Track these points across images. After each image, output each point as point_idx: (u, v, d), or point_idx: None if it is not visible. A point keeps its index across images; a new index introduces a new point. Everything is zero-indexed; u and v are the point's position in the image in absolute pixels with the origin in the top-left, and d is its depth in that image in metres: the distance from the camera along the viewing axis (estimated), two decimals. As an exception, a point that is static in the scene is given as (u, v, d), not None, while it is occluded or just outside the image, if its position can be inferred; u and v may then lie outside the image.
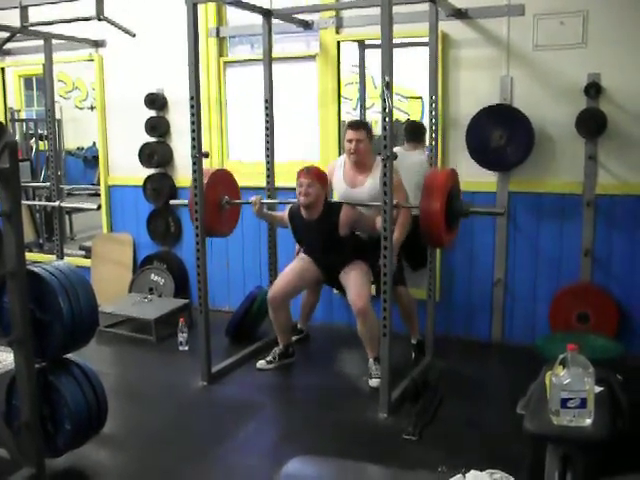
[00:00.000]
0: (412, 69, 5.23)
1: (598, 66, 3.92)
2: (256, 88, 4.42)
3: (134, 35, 4.44)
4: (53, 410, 2.78)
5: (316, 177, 3.78)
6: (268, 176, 4.38)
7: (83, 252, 6.22)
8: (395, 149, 3.48)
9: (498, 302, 4.39)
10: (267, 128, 4.31)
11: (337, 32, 4.60)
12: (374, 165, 3.84)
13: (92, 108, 7.51)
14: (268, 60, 4.30)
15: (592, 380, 2.08)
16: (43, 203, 6.25)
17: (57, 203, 5.20)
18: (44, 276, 2.70)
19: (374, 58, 4.80)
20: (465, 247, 4.35)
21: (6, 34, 4.54)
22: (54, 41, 5.06)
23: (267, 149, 4.34)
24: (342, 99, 4.82)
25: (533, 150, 4.10)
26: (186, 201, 4.07)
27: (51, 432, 2.78)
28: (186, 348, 4.39)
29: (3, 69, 5.95)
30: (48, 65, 5.06)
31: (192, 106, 3.61)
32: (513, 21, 4.10)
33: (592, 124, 3.93)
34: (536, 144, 4.09)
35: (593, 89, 3.91)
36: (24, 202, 5.52)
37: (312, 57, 4.76)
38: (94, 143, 7.70)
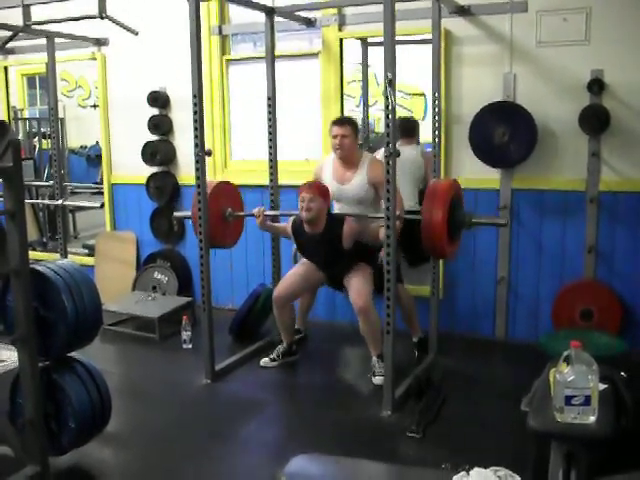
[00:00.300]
0: (415, 66, 5.23)
1: (601, 62, 3.91)
2: (259, 86, 4.42)
3: (137, 33, 4.46)
4: (57, 408, 2.79)
5: (318, 191, 3.78)
6: (271, 174, 4.38)
7: (86, 250, 6.25)
8: None
9: (501, 299, 4.39)
10: (270, 126, 4.31)
11: (340, 29, 4.59)
12: (361, 161, 3.86)
13: (95, 106, 7.52)
14: (271, 58, 4.29)
15: (596, 377, 2.07)
16: (46, 202, 6.26)
17: (60, 201, 5.22)
18: (48, 274, 2.71)
19: (377, 55, 4.78)
20: (468, 245, 4.34)
21: (9, 33, 4.54)
22: (57, 40, 5.06)
23: (270, 147, 4.34)
24: (345, 97, 4.81)
25: (536, 147, 4.09)
26: (189, 213, 4.08)
27: (55, 430, 2.78)
28: (190, 346, 4.39)
29: (6, 68, 5.96)
30: (51, 64, 5.06)
31: (195, 104, 3.61)
32: (516, 18, 4.08)
33: (595, 121, 3.92)
34: (539, 141, 4.08)
35: (596, 85, 3.90)
36: (27, 201, 5.51)
37: (315, 55, 4.76)
38: (97, 142, 7.70)
